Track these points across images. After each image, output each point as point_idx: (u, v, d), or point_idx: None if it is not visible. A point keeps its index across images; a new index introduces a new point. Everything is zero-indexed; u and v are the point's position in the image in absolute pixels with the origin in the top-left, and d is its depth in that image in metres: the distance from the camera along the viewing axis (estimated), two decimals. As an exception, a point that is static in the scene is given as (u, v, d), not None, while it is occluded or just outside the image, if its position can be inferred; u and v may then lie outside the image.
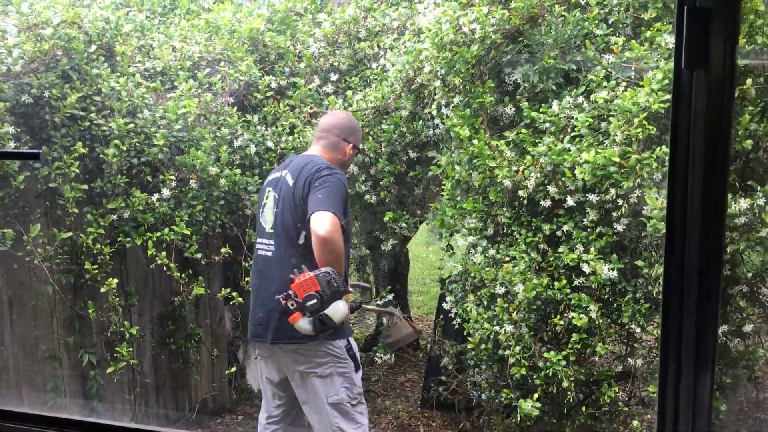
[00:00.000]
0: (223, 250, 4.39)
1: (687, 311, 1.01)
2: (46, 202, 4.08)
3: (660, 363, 1.03)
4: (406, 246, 6.04)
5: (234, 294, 4.37)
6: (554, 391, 3.55)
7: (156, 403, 4.80)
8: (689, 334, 1.01)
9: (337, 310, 2.93)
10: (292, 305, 2.87)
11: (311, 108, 4.74)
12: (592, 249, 3.42)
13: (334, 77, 4.89)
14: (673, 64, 1.00)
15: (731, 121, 0.98)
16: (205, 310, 5.05)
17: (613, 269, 3.36)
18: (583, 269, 3.41)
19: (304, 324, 2.91)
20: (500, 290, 3.59)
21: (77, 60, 4.09)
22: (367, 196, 4.48)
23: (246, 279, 4.36)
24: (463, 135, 3.78)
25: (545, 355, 3.50)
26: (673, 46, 3.41)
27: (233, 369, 4.96)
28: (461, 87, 3.92)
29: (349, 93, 4.65)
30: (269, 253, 3.15)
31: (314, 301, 2.85)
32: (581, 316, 3.42)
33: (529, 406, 3.44)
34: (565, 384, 3.42)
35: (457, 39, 3.91)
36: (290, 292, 2.88)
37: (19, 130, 3.88)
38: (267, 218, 3.20)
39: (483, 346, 3.70)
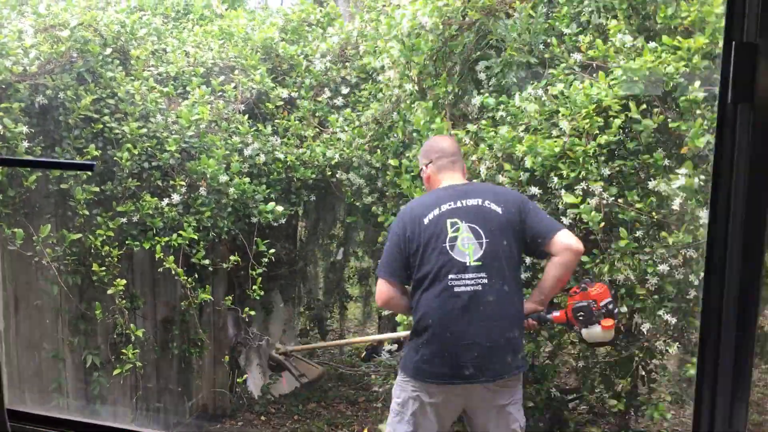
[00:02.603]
0: (232, 258, 4.39)
1: (725, 345, 1.03)
2: (60, 203, 4.09)
3: (695, 393, 1.05)
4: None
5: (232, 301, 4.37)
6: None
7: (156, 406, 4.80)
8: (726, 367, 1.03)
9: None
10: (597, 311, 2.85)
11: (316, 127, 4.78)
12: None
13: (345, 90, 4.92)
14: (718, 98, 1.03)
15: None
16: (209, 315, 5.05)
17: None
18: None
19: (611, 334, 2.90)
20: None
21: (92, 62, 4.13)
22: (374, 208, 4.49)
23: (254, 288, 4.37)
24: (417, 120, 3.81)
25: None
26: (631, 44, 3.44)
27: (245, 376, 4.96)
28: (417, 79, 3.94)
29: (347, 110, 4.68)
30: (479, 287, 2.86)
31: (617, 309, 2.90)
32: None
33: None
34: None
35: (414, 31, 3.94)
36: (594, 300, 2.87)
37: (33, 130, 3.90)
38: (465, 251, 2.90)
39: None
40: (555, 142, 3.37)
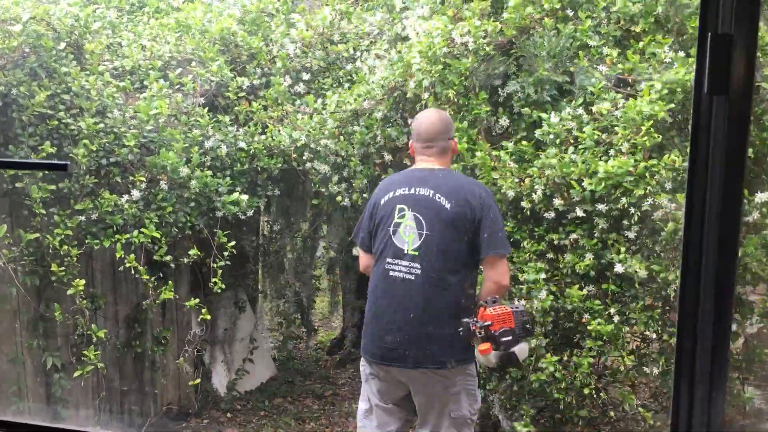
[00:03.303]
0: (191, 252, 4.30)
1: (702, 345, 1.04)
2: (15, 202, 3.98)
3: (674, 384, 1.06)
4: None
5: (203, 310, 4.29)
6: (573, 401, 3.56)
7: (120, 407, 4.72)
8: (704, 355, 1.04)
9: (524, 350, 2.88)
10: (480, 333, 2.78)
11: (285, 105, 4.71)
12: (618, 251, 3.47)
13: (306, 77, 4.88)
14: (693, 89, 1.03)
15: (747, 144, 1.01)
16: (172, 312, 4.98)
17: (641, 268, 3.40)
18: (616, 270, 3.43)
19: (492, 357, 2.82)
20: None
21: (46, 57, 4.02)
22: (339, 198, 4.46)
23: (214, 280, 4.30)
24: (461, 147, 3.77)
25: (574, 358, 3.54)
26: (669, 59, 3.51)
27: (197, 381, 4.85)
28: (455, 99, 3.94)
29: (328, 93, 4.62)
30: (411, 277, 2.96)
31: (509, 337, 2.78)
32: (604, 321, 3.45)
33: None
34: (586, 391, 3.44)
35: (450, 51, 3.94)
36: (480, 321, 2.80)
37: (-15, 128, 3.79)
38: (405, 239, 2.99)
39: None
40: (623, 160, 3.39)
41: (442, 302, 2.95)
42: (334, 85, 4.82)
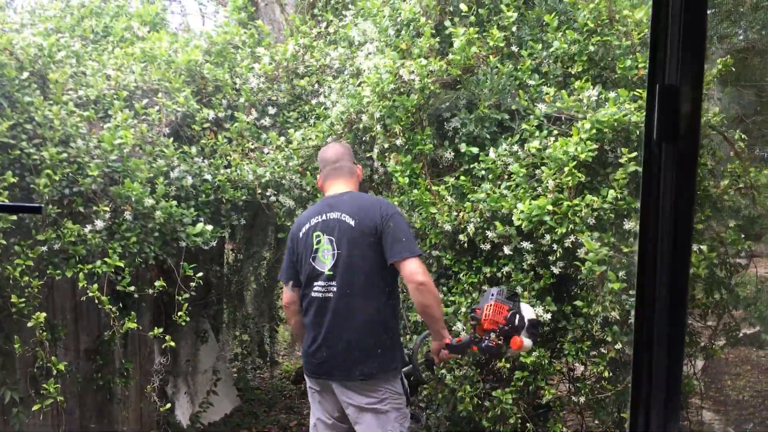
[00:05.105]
0: (157, 283, 4.27)
1: (657, 358, 1.09)
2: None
3: (630, 417, 1.10)
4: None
5: (166, 336, 4.25)
6: (500, 430, 3.61)
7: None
8: (659, 388, 1.09)
9: (530, 311, 2.94)
10: (500, 339, 2.83)
11: (249, 142, 4.74)
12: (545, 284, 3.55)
13: (272, 111, 4.91)
14: (644, 136, 1.09)
15: (695, 186, 1.07)
16: (135, 343, 4.92)
17: (547, 311, 3.47)
18: None
19: (526, 343, 2.85)
20: None
21: (8, 87, 3.99)
22: (304, 230, 4.48)
23: (179, 314, 4.28)
24: (402, 182, 3.91)
25: (494, 393, 3.59)
26: (596, 97, 3.64)
27: (167, 405, 4.80)
28: (401, 134, 4.03)
29: (291, 131, 4.66)
30: (330, 294, 3.12)
31: (517, 316, 2.85)
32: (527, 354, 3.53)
33: None
34: (511, 420, 3.49)
35: (397, 88, 4.04)
36: (491, 331, 2.85)
37: (-55, 158, 3.73)
38: (324, 261, 3.15)
39: (425, 390, 3.78)
40: (544, 199, 3.48)
41: (364, 315, 3.09)
42: (299, 120, 4.86)
